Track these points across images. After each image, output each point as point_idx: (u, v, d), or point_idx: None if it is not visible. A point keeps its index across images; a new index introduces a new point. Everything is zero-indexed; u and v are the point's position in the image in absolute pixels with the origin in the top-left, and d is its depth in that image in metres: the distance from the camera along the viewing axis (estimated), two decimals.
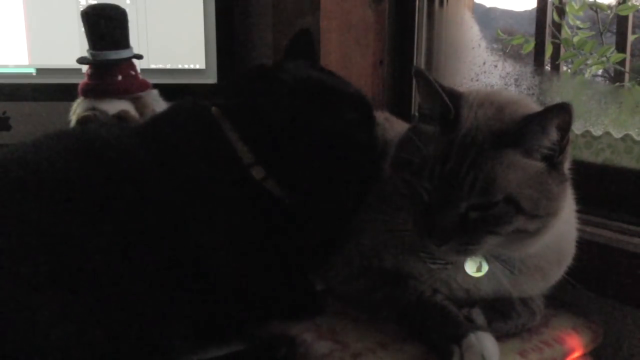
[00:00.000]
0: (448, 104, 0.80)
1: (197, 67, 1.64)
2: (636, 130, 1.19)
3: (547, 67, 1.47)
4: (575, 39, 1.44)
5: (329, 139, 0.89)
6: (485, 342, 0.79)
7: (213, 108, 0.93)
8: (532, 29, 1.49)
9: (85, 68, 1.33)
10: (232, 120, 0.91)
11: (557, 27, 1.45)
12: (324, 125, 0.89)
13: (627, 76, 1.39)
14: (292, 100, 0.89)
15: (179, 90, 1.46)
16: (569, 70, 1.51)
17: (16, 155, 0.83)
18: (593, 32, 1.45)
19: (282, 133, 0.88)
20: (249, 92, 0.94)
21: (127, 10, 1.29)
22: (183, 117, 0.95)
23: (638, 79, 1.40)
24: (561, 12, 1.45)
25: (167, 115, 0.99)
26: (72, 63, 1.35)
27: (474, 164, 0.76)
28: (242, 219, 0.88)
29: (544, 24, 1.44)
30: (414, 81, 1.55)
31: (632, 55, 1.39)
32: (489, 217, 0.76)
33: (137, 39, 1.55)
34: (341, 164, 0.91)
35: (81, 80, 1.31)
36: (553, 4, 1.44)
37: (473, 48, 1.52)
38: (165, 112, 1.01)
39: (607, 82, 1.52)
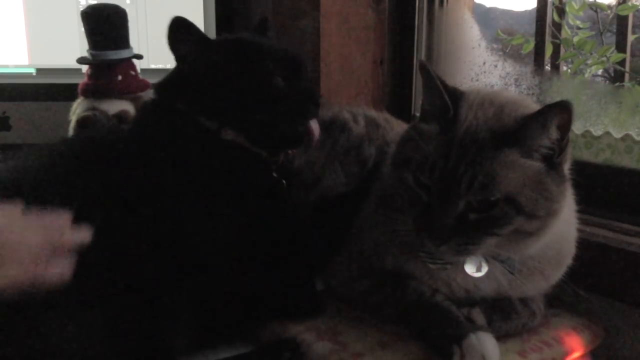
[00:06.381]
0: (447, 102, 0.80)
1: None
2: (636, 130, 1.19)
3: (547, 67, 1.47)
4: (575, 39, 1.44)
5: (255, 85, 0.93)
6: (486, 342, 0.79)
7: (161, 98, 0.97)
8: (532, 29, 1.49)
9: (85, 68, 1.33)
10: (182, 98, 0.94)
11: (557, 27, 1.45)
12: (248, 75, 0.93)
13: (627, 76, 1.39)
14: (218, 59, 0.94)
15: None
16: (569, 70, 1.51)
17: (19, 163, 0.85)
18: (593, 32, 1.45)
19: (217, 89, 0.93)
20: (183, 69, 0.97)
21: (127, 10, 1.30)
22: (151, 118, 0.98)
23: (638, 79, 1.40)
24: (561, 12, 1.45)
25: (138, 122, 1.01)
26: (72, 63, 1.36)
27: (473, 163, 0.76)
28: (232, 181, 0.90)
29: (544, 24, 1.44)
30: (414, 81, 1.55)
31: (632, 55, 1.39)
32: (489, 217, 0.76)
33: (137, 39, 1.55)
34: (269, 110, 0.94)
35: (81, 80, 1.31)
36: (553, 4, 1.44)
37: (473, 48, 1.52)
38: (137, 120, 1.04)
39: (607, 82, 1.52)
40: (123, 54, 1.29)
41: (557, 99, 0.76)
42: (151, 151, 0.89)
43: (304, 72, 0.99)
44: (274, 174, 0.97)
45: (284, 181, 0.98)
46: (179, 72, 0.97)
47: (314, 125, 0.96)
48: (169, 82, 0.98)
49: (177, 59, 0.96)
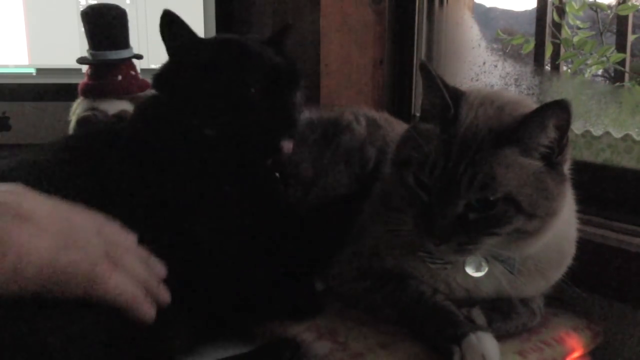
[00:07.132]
0: (448, 102, 0.80)
1: None
2: (636, 130, 1.19)
3: (547, 67, 1.47)
4: (575, 39, 1.44)
5: (230, 92, 0.92)
6: (486, 342, 0.79)
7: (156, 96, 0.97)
8: (532, 29, 1.49)
9: (85, 68, 1.33)
10: (169, 92, 0.95)
11: (557, 27, 1.45)
12: (226, 80, 0.92)
13: (627, 76, 1.39)
14: (202, 59, 0.93)
15: None
16: (569, 70, 1.51)
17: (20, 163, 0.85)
18: (593, 32, 1.45)
19: (199, 89, 0.92)
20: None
21: (127, 10, 1.29)
22: (147, 117, 0.98)
23: (638, 79, 1.40)
24: (561, 12, 1.45)
25: (133, 122, 1.01)
26: (72, 63, 1.36)
27: (473, 162, 0.76)
28: (224, 177, 0.90)
29: (544, 24, 1.45)
30: (414, 81, 1.55)
31: (632, 55, 1.40)
32: (489, 217, 0.76)
33: (137, 39, 1.55)
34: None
35: (81, 80, 1.31)
36: (553, 4, 1.44)
37: (473, 48, 1.52)
38: (132, 119, 1.03)
39: (607, 82, 1.52)
40: (123, 54, 1.29)
41: (557, 98, 0.75)
42: (141, 148, 0.89)
43: (290, 86, 0.95)
44: (267, 167, 0.96)
45: (277, 174, 0.97)
46: (169, 67, 0.97)
47: (286, 144, 0.94)
48: (160, 76, 0.98)
49: (168, 53, 0.96)
